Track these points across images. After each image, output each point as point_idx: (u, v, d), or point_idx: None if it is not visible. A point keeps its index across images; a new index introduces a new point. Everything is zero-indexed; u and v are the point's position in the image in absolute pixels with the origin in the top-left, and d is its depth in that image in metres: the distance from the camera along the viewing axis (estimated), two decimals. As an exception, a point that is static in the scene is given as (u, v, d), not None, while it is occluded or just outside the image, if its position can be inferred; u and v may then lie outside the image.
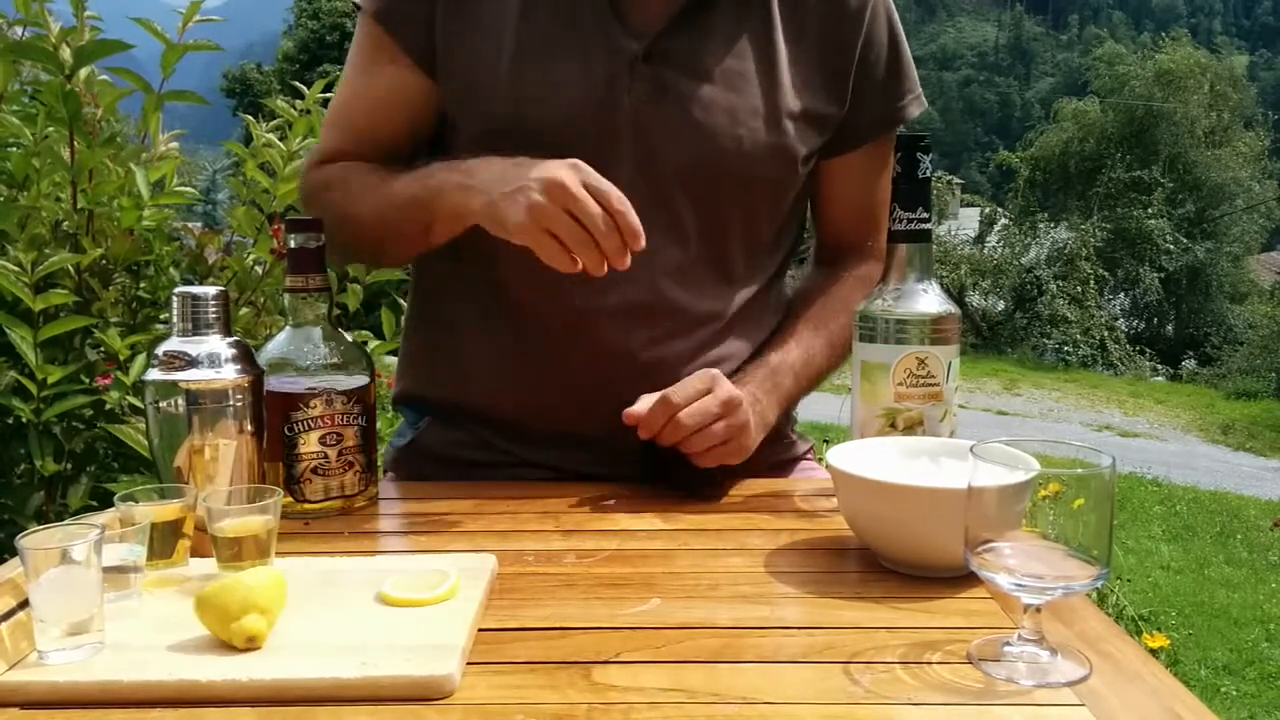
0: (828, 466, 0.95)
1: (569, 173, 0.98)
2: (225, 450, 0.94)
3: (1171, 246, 20.89)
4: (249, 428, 0.96)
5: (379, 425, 1.35)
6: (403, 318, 1.42)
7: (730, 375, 1.16)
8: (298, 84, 2.01)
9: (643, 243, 0.99)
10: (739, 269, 1.23)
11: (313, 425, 1.05)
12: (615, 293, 1.16)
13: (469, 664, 0.72)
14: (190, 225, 2.17)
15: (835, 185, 1.30)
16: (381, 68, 1.22)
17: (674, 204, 1.18)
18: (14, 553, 0.81)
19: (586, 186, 0.98)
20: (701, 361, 1.19)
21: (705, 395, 1.08)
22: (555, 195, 0.97)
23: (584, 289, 1.13)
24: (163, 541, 0.85)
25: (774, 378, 1.20)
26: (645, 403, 1.08)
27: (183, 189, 1.78)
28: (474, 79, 1.18)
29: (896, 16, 1.28)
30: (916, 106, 1.29)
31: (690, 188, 1.17)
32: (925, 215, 1.06)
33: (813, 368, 1.24)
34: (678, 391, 1.08)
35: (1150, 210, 20.99)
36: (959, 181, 27.11)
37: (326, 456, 1.05)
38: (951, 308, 1.06)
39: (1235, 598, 4.86)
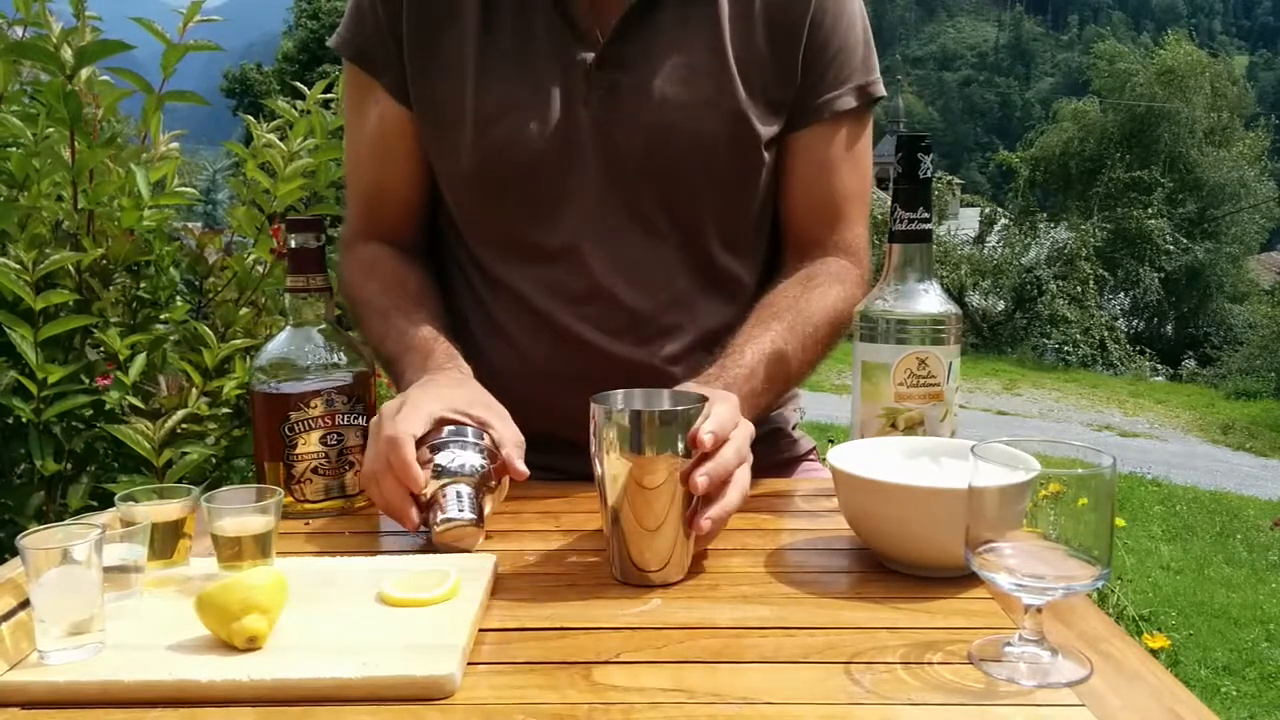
0: (828, 466, 0.95)
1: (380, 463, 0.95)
2: None
3: (1171, 246, 20.90)
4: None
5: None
6: None
7: (705, 368, 1.11)
8: (298, 84, 2.00)
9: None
10: (721, 265, 1.23)
11: (313, 425, 1.05)
12: (599, 302, 1.18)
13: (469, 664, 0.72)
14: (190, 225, 2.16)
15: (791, 169, 1.25)
16: (369, 109, 1.25)
17: (645, 207, 1.19)
18: (14, 553, 0.81)
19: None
20: (692, 363, 1.19)
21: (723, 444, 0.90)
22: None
23: (570, 301, 1.17)
24: (163, 541, 0.84)
25: (751, 381, 1.11)
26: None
27: (183, 189, 1.78)
28: (441, 108, 1.20)
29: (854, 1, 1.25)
30: (856, 97, 1.23)
31: (658, 188, 1.18)
32: (926, 215, 1.06)
33: (784, 369, 1.15)
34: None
35: (1150, 210, 21.00)
36: (959, 182, 27.13)
37: (327, 456, 1.06)
38: (952, 308, 1.06)
39: (1235, 598, 4.86)
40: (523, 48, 1.18)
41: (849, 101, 1.24)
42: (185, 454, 1.50)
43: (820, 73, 1.23)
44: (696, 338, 1.20)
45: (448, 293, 1.28)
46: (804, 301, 1.19)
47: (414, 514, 0.94)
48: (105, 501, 1.51)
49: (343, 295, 1.28)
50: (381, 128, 1.25)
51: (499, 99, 1.17)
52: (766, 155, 1.22)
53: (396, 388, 1.16)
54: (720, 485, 0.88)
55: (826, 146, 1.25)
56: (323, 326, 1.08)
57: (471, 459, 0.96)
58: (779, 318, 1.17)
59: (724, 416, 0.89)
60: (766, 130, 1.21)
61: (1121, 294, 21.53)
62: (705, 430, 0.86)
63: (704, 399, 0.89)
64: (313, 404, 1.04)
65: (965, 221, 21.51)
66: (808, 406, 1.35)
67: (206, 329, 1.62)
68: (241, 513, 0.85)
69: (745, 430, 0.93)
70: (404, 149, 1.25)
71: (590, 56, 1.16)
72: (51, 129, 1.59)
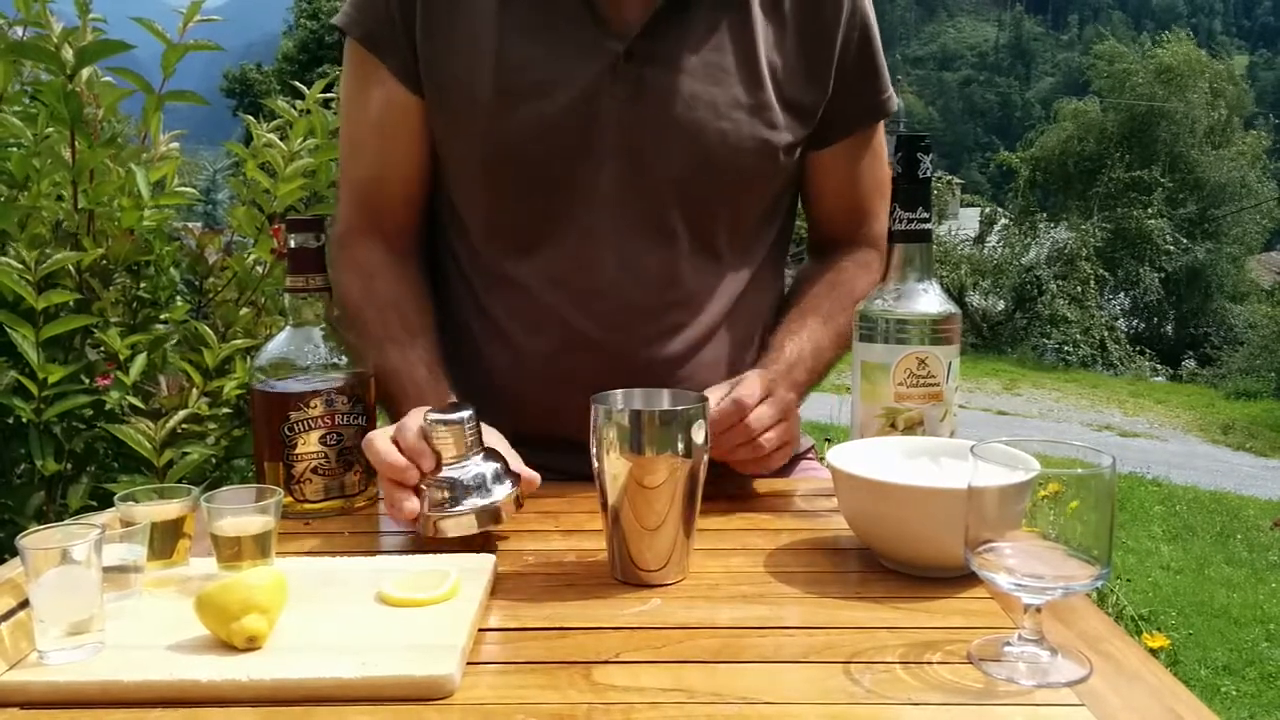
0: (827, 466, 0.95)
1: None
2: None
3: (1171, 246, 20.88)
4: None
5: (379, 425, 1.35)
6: None
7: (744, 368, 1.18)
8: (298, 84, 2.00)
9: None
10: (727, 261, 1.24)
11: (313, 425, 1.05)
12: (606, 298, 1.17)
13: (469, 664, 0.72)
14: (191, 225, 2.16)
15: (825, 177, 1.30)
16: (372, 92, 1.22)
17: (662, 201, 1.18)
18: (14, 552, 0.81)
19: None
20: (695, 362, 1.19)
21: (765, 400, 1.07)
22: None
23: (577, 297, 1.16)
24: (163, 541, 0.85)
25: (791, 373, 1.20)
26: (714, 397, 1.04)
27: (183, 189, 1.78)
28: (455, 94, 1.18)
29: (872, 10, 1.28)
30: (894, 100, 1.31)
31: (677, 184, 1.18)
32: (925, 215, 1.06)
33: (822, 360, 1.25)
34: (746, 394, 1.06)
35: (1150, 210, 20.99)
36: (959, 181, 27.14)
37: (327, 456, 1.06)
38: (952, 308, 1.06)
39: (1235, 598, 4.86)
40: (544, 33, 1.16)
41: (889, 108, 1.29)
42: (186, 454, 1.50)
43: (856, 83, 1.25)
44: (699, 336, 1.21)
45: (442, 292, 1.27)
46: (835, 295, 1.27)
47: (408, 504, 0.94)
48: (105, 501, 1.51)
49: (337, 299, 1.23)
50: (385, 112, 1.22)
51: (519, 82, 1.15)
52: (786, 159, 1.23)
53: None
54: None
55: (859, 151, 1.30)
56: (323, 326, 1.08)
57: (475, 463, 0.96)
58: (814, 312, 1.26)
59: (754, 386, 1.06)
60: (791, 136, 1.22)
61: (1121, 294, 21.51)
62: (738, 396, 1.04)
63: (704, 399, 0.90)
64: (312, 404, 1.05)
65: (965, 221, 21.50)
66: (807, 406, 1.35)
67: (207, 329, 1.62)
68: (241, 513, 0.85)
69: (782, 395, 1.09)
70: (407, 135, 1.22)
71: (619, 48, 1.14)
72: (52, 129, 1.59)
